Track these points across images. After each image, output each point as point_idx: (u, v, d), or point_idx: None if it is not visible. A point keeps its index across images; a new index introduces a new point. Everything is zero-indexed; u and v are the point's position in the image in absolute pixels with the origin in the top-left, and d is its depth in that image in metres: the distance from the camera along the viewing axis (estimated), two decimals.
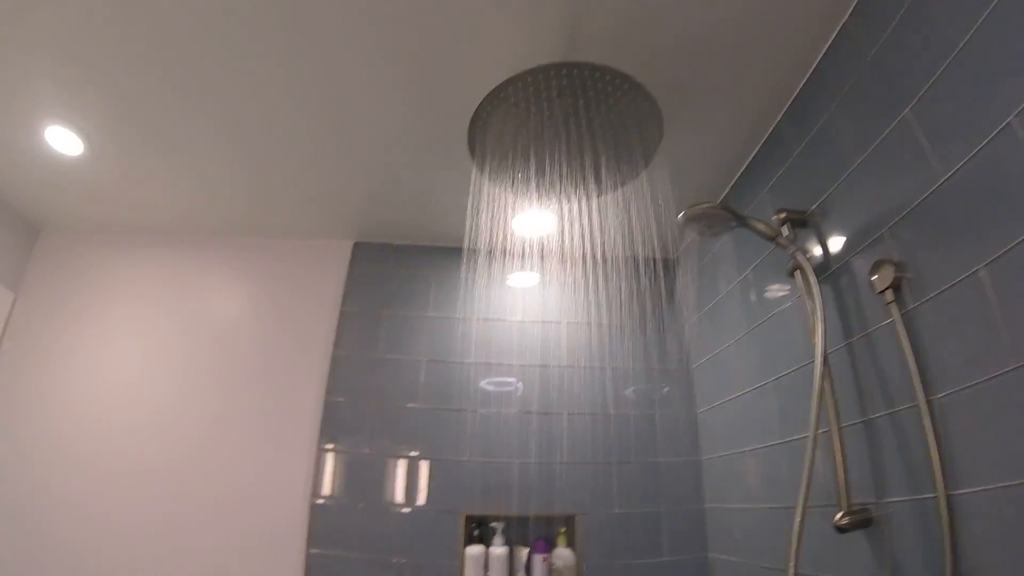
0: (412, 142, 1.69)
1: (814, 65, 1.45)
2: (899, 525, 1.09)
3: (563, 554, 1.69)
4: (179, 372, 1.97)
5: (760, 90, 1.53)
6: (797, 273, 1.44)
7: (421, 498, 1.81)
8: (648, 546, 1.82)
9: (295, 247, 2.22)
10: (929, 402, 1.03)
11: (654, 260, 2.10)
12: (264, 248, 2.21)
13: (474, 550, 1.66)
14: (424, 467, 1.85)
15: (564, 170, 1.56)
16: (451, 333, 2.07)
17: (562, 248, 2.05)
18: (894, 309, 1.14)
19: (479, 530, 1.72)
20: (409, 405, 1.95)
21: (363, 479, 1.83)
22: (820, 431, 1.24)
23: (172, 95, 1.50)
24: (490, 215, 1.66)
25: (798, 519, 1.15)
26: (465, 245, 1.68)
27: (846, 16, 1.32)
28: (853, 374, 1.30)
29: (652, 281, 2.10)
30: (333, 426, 1.90)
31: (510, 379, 2.01)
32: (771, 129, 1.66)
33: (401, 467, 1.86)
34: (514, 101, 1.40)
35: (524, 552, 1.68)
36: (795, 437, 1.49)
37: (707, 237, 1.69)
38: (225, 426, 1.90)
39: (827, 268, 1.40)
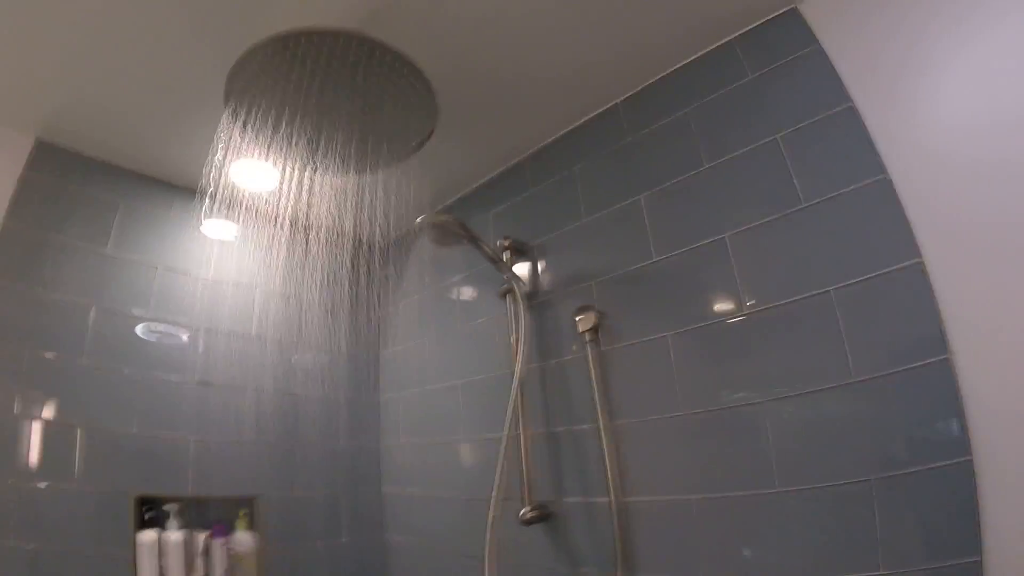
0: (150, 50, 1.38)
1: (576, 124, 1.65)
2: (576, 521, 1.37)
3: (243, 538, 1.60)
4: None
5: (523, 125, 1.69)
6: (508, 296, 1.65)
7: (78, 473, 1.46)
8: (328, 528, 1.84)
9: None
10: (608, 426, 1.33)
11: (369, 245, 2.09)
12: None
13: (146, 536, 1.43)
14: (80, 435, 1.49)
15: (319, 139, 1.49)
16: (130, 279, 1.71)
17: (277, 209, 1.90)
18: (590, 348, 1.41)
19: (151, 513, 1.48)
20: (65, 357, 1.54)
21: None
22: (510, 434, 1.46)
23: None
24: (211, 155, 1.46)
25: (491, 512, 1.32)
26: (197, 186, 1.43)
27: (620, 99, 1.54)
28: (542, 392, 1.56)
29: (361, 265, 2.08)
30: None
31: (186, 340, 1.77)
32: (515, 162, 1.82)
33: (48, 433, 1.46)
34: (289, 56, 1.29)
35: (202, 537, 1.52)
36: (480, 436, 1.69)
37: (436, 245, 1.77)
38: None
39: (536, 297, 1.64)
